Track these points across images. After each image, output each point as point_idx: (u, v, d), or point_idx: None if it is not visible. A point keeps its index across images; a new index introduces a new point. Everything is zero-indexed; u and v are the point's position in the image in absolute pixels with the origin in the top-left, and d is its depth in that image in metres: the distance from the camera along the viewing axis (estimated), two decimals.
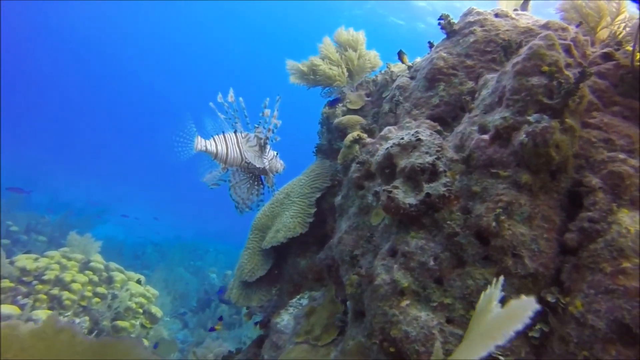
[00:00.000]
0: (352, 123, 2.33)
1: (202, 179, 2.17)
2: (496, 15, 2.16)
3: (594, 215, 1.27)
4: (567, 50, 1.59)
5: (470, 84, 2.00)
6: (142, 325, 5.48)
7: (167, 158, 2.03)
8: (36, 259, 5.46)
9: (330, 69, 2.67)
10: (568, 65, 1.53)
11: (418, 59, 2.64)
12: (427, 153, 1.58)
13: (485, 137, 1.50)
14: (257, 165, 2.07)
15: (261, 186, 2.22)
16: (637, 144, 1.41)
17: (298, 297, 2.51)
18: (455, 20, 2.27)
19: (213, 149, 2.03)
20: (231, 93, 1.99)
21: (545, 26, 2.02)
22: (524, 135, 1.35)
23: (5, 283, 5.04)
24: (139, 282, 5.96)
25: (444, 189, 1.48)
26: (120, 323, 5.12)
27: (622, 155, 1.35)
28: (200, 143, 2.02)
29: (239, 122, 2.05)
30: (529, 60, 1.45)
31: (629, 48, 1.80)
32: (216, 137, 2.05)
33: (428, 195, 1.48)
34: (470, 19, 2.18)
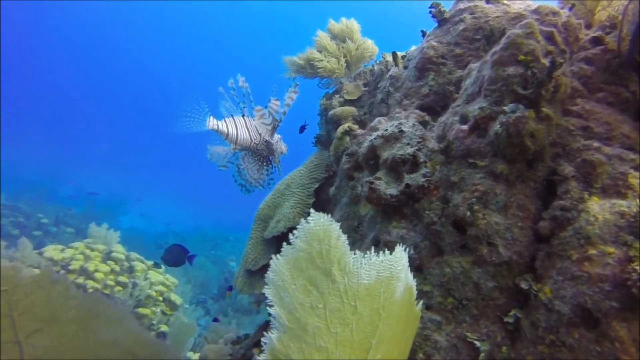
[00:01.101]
0: (345, 114, 2.37)
1: (209, 158, 2.28)
2: (487, 1, 2.14)
3: (565, 204, 1.29)
4: (549, 38, 1.58)
5: (459, 72, 2.00)
6: (163, 312, 5.72)
7: (175, 128, 2.14)
8: (62, 250, 5.74)
9: (328, 61, 2.70)
10: (549, 53, 1.53)
11: (413, 48, 2.64)
12: (408, 144, 1.61)
13: (465, 127, 1.52)
14: (269, 140, 2.18)
15: (270, 166, 2.37)
16: (615, 131, 1.41)
17: None
18: (447, 8, 2.26)
19: (224, 129, 2.15)
20: (242, 79, 2.11)
21: (536, 11, 2.00)
22: (499, 126, 1.37)
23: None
24: (156, 265, 6.18)
25: (423, 179, 1.52)
26: (141, 310, 5.36)
27: (596, 144, 1.35)
28: (213, 122, 2.14)
29: (246, 106, 2.17)
30: (506, 49, 1.46)
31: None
32: (227, 119, 2.17)
33: (408, 186, 1.53)
34: (461, 6, 2.17)
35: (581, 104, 1.55)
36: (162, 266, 6.46)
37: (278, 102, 2.12)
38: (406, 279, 0.98)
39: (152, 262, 6.28)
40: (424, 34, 2.35)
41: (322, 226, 0.89)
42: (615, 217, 1.20)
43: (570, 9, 2.06)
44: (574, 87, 1.62)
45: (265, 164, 2.38)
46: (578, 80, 1.65)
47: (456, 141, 1.52)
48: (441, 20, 2.20)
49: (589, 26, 2.12)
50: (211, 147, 2.29)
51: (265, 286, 0.92)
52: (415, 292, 1.04)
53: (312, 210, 0.93)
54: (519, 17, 2.02)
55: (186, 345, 4.97)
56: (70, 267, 5.42)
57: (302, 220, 0.91)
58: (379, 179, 1.62)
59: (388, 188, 1.59)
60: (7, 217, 11.08)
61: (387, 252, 0.92)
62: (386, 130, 1.70)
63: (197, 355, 4.98)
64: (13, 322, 1.22)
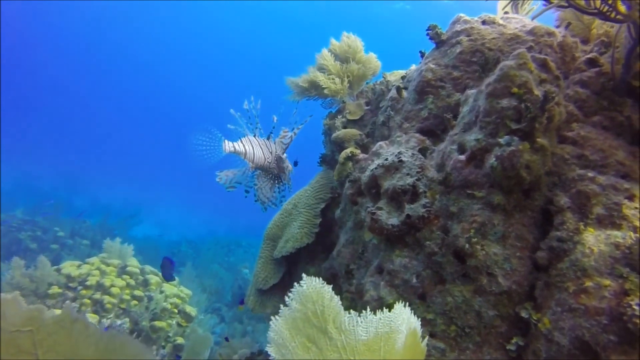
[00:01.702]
0: (348, 137, 2.42)
1: (217, 180, 2.39)
2: (483, 22, 2.17)
3: (562, 235, 1.32)
4: (543, 65, 1.61)
5: (458, 95, 2.04)
6: (178, 324, 5.82)
7: (196, 164, 2.27)
8: (79, 266, 5.89)
9: (332, 82, 2.75)
10: (543, 81, 1.56)
11: (413, 67, 2.68)
12: (408, 174, 1.66)
13: (462, 157, 1.56)
14: (281, 156, 2.35)
15: (281, 184, 2.47)
16: (610, 159, 1.44)
17: None
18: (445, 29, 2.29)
19: (242, 149, 2.26)
20: (256, 102, 2.28)
21: (531, 32, 2.02)
22: (494, 159, 1.41)
23: (54, 289, 5.47)
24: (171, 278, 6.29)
25: (423, 210, 1.56)
26: (157, 323, 5.47)
27: (591, 173, 1.38)
28: (229, 145, 2.25)
29: (258, 126, 2.32)
30: (499, 82, 1.49)
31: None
32: (243, 139, 2.28)
33: (408, 216, 1.57)
34: (458, 27, 2.20)
35: (577, 130, 1.57)
36: (177, 278, 6.58)
37: (287, 132, 2.26)
38: (408, 324, 1.02)
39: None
40: (422, 54, 2.39)
41: (314, 289, 0.94)
42: (610, 249, 1.23)
43: (567, 27, 2.08)
44: (570, 111, 1.65)
45: (277, 182, 2.49)
46: (574, 103, 1.68)
47: (454, 172, 1.56)
48: (439, 42, 2.24)
49: (586, 41, 2.14)
50: (219, 173, 2.38)
51: (267, 344, 0.97)
52: (419, 333, 1.08)
53: (304, 276, 0.99)
54: (514, 38, 2.05)
55: (202, 357, 5.05)
56: (87, 283, 5.56)
57: (296, 284, 0.96)
58: (380, 208, 1.67)
59: (390, 218, 1.64)
60: (26, 232, 11.35)
61: (385, 310, 0.97)
62: (386, 159, 1.75)
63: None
64: (37, 358, 1.30)
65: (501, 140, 1.43)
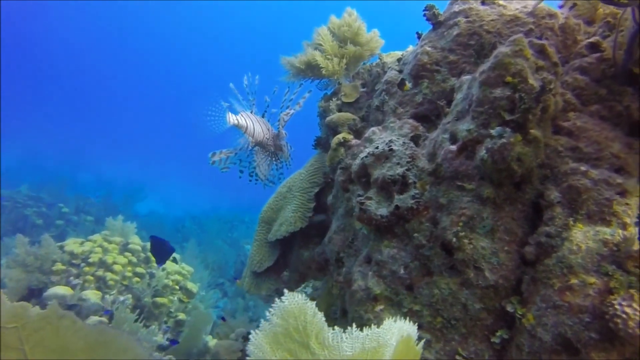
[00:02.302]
0: (342, 121, 2.37)
1: (210, 162, 2.39)
2: (483, 3, 2.08)
3: (550, 230, 1.30)
4: (541, 51, 1.54)
5: (453, 80, 1.97)
6: (180, 300, 5.94)
7: (202, 133, 2.28)
8: (82, 243, 5.96)
9: (330, 63, 2.68)
10: (540, 69, 1.50)
11: (410, 48, 2.59)
12: (398, 164, 1.62)
13: (453, 148, 1.52)
14: (282, 137, 2.37)
15: (279, 161, 2.48)
16: (605, 151, 1.40)
17: (303, 285, 2.68)
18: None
19: (244, 122, 2.26)
20: (253, 79, 2.28)
21: (532, 13, 1.94)
22: (484, 151, 1.37)
23: (58, 266, 5.56)
24: (174, 260, 6.38)
25: (412, 201, 1.54)
26: (159, 299, 5.58)
27: (583, 167, 1.34)
28: (232, 118, 2.25)
29: (255, 102, 2.33)
30: (493, 70, 1.43)
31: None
32: (242, 113, 2.28)
33: (397, 207, 1.55)
34: (456, 8, 2.11)
35: (573, 120, 1.52)
36: (179, 255, 6.66)
37: (291, 111, 2.31)
38: (400, 332, 1.01)
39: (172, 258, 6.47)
40: (419, 36, 2.31)
41: (296, 304, 0.93)
42: (598, 246, 1.21)
43: (572, 8, 1.99)
44: (567, 99, 1.59)
45: (274, 159, 2.49)
46: (572, 91, 1.62)
47: (445, 162, 1.52)
48: (436, 23, 2.16)
49: (591, 22, 2.05)
50: (212, 154, 2.38)
51: (247, 357, 0.97)
52: (414, 337, 1.04)
53: (285, 291, 0.97)
54: (514, 20, 1.96)
55: (203, 333, 5.17)
56: (90, 260, 5.64)
57: (277, 299, 0.95)
58: (369, 198, 1.65)
59: (379, 208, 1.61)
60: (32, 207, 11.47)
61: (373, 327, 0.95)
62: (377, 147, 1.71)
63: (214, 341, 5.21)
64: (25, 354, 1.32)
65: (493, 132, 1.39)
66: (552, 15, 1.90)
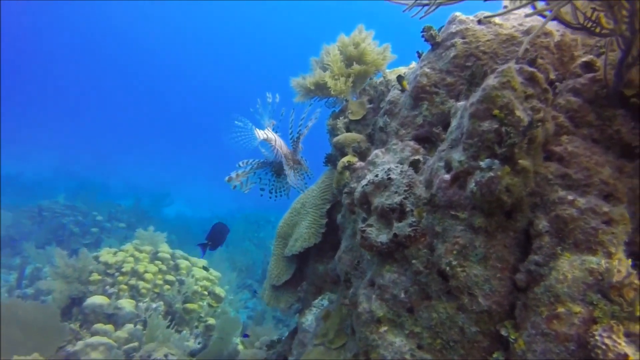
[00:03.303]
0: (348, 142, 2.46)
1: (232, 187, 2.55)
2: (479, 22, 2.12)
3: (539, 259, 1.36)
4: (530, 79, 1.58)
5: (451, 102, 2.03)
6: (210, 305, 6.19)
7: (237, 153, 2.48)
8: (115, 253, 6.29)
9: (336, 83, 2.76)
10: (529, 97, 1.54)
11: (413, 65, 2.65)
12: (396, 192, 1.71)
13: (447, 177, 1.59)
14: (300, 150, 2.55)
15: (300, 173, 2.66)
16: (594, 177, 1.43)
17: (320, 298, 2.80)
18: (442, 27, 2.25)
19: (272, 136, 2.43)
20: (276, 96, 2.46)
21: (528, 32, 1.96)
22: (473, 184, 1.44)
23: (95, 276, 5.90)
24: (204, 268, 6.64)
25: (410, 229, 1.62)
26: (189, 305, 5.84)
27: (571, 196, 1.39)
28: (262, 133, 2.41)
29: (273, 120, 2.53)
30: (481, 103, 1.49)
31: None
32: (266, 129, 2.45)
33: (395, 235, 1.64)
34: (453, 29, 2.15)
35: (565, 144, 1.56)
36: (206, 260, 6.93)
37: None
38: None
39: (196, 259, 6.74)
40: (419, 55, 2.36)
41: None
42: (584, 274, 1.26)
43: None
44: (560, 123, 1.63)
45: (297, 170, 2.67)
46: (565, 114, 1.65)
47: (439, 192, 1.59)
48: (434, 44, 2.20)
49: None
50: (229, 178, 2.52)
51: None
52: None
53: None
54: (510, 39, 2.00)
55: (233, 338, 5.38)
56: (123, 270, 5.96)
57: None
58: (370, 225, 1.74)
59: (379, 235, 1.70)
60: (68, 217, 12.07)
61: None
62: (377, 175, 1.80)
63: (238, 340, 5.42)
64: None
65: (482, 164, 1.45)
66: (547, 34, 1.92)
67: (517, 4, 2.10)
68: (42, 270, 8.31)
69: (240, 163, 2.55)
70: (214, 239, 4.60)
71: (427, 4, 1.59)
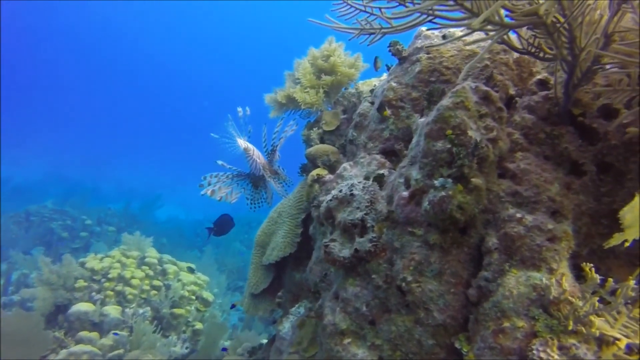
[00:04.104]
0: (320, 154, 2.50)
1: (202, 192, 2.55)
2: (444, 37, 2.17)
3: (488, 275, 1.42)
4: (485, 98, 1.64)
5: (416, 116, 2.08)
6: (197, 310, 6.21)
7: (223, 157, 2.47)
8: (101, 259, 6.28)
9: (307, 95, 2.81)
10: (483, 116, 1.60)
11: (384, 76, 2.70)
12: (358, 208, 1.76)
13: (405, 194, 1.64)
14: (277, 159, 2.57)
15: (281, 182, 2.68)
16: (543, 195, 1.49)
17: (297, 305, 2.84)
18: (407, 44, 2.30)
19: (251, 147, 2.45)
20: (247, 110, 2.44)
21: (489, 49, 2.02)
22: (427, 203, 1.49)
23: (80, 283, 5.89)
24: (190, 270, 6.65)
25: (370, 244, 1.67)
26: (177, 310, 5.85)
27: (519, 214, 1.45)
28: (243, 142, 2.44)
29: (251, 131, 2.51)
30: (435, 123, 1.54)
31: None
32: (241, 139, 2.48)
33: (357, 250, 1.69)
34: (418, 44, 2.21)
35: (518, 161, 1.62)
36: (194, 266, 6.94)
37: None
38: None
39: (183, 263, 6.75)
40: (388, 68, 2.41)
41: None
42: (528, 290, 1.32)
43: None
44: (515, 140, 1.69)
45: (277, 179, 2.69)
46: (520, 131, 1.71)
47: (397, 208, 1.65)
48: (400, 58, 2.26)
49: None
50: (204, 186, 2.54)
51: None
52: None
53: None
54: (472, 55, 2.05)
55: (220, 343, 5.41)
56: (110, 276, 5.95)
57: None
58: (334, 240, 1.79)
59: (342, 249, 1.75)
60: (57, 221, 11.98)
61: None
62: (340, 191, 1.84)
63: (228, 342, 5.45)
64: None
65: (436, 183, 1.50)
66: (506, 51, 1.98)
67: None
68: (29, 277, 8.28)
69: (219, 162, 2.53)
70: (220, 226, 4.73)
71: (372, 33, 1.64)
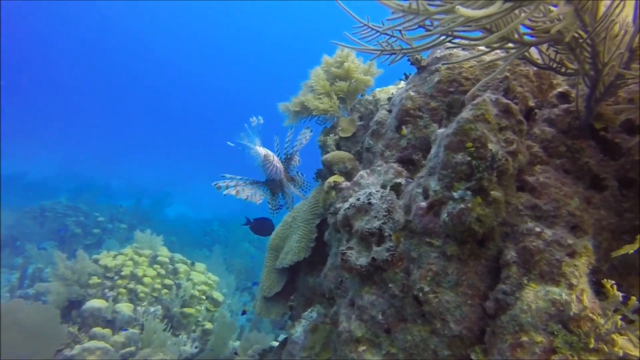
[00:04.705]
0: (336, 160, 2.52)
1: (225, 192, 2.56)
2: (463, 48, 2.18)
3: (506, 289, 1.42)
4: (505, 110, 1.64)
5: (434, 126, 2.09)
6: (207, 309, 6.27)
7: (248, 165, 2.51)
8: (114, 257, 6.38)
9: (320, 102, 2.83)
10: (503, 129, 1.61)
11: (401, 84, 2.71)
12: (375, 217, 1.77)
13: (423, 205, 1.65)
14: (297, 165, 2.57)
15: (297, 187, 2.72)
16: (562, 209, 1.49)
17: (309, 310, 2.86)
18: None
19: (270, 152, 2.48)
20: (260, 119, 2.43)
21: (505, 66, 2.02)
22: (445, 214, 1.50)
23: (94, 279, 5.99)
24: (192, 264, 6.71)
25: (387, 254, 1.69)
26: (187, 310, 5.92)
27: (538, 228, 1.45)
28: (262, 149, 2.45)
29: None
30: (455, 135, 1.55)
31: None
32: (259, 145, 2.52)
33: (374, 259, 1.70)
34: (437, 53, 2.22)
35: (537, 175, 1.62)
36: (204, 265, 7.01)
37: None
38: None
39: (190, 262, 6.81)
40: (406, 77, 2.43)
41: None
42: (547, 305, 1.33)
43: None
44: (534, 153, 1.69)
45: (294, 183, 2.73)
46: (539, 144, 1.71)
47: (415, 218, 1.66)
48: (419, 67, 2.27)
49: None
50: (223, 185, 2.54)
51: None
52: None
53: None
54: (492, 66, 2.06)
55: (229, 342, 5.46)
56: (122, 273, 6.04)
57: None
58: (351, 248, 1.80)
59: (359, 257, 1.77)
60: (71, 217, 12.18)
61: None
62: (358, 199, 1.86)
63: (237, 343, 5.49)
64: None
65: (455, 195, 1.51)
66: (527, 62, 1.97)
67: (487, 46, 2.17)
68: (44, 271, 8.44)
69: (227, 175, 2.52)
70: (259, 225, 4.78)
71: (393, 53, 1.66)
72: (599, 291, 1.39)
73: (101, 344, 4.59)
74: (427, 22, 1.56)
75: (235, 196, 2.49)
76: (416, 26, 1.50)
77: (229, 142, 2.46)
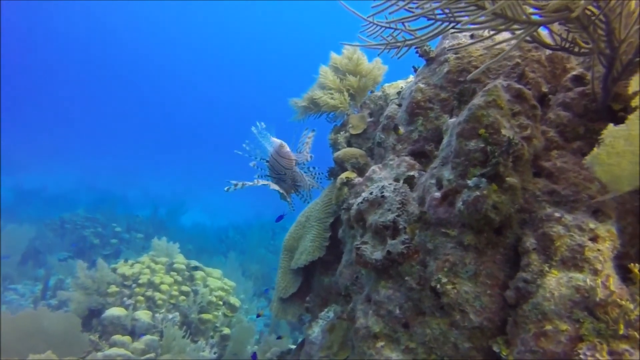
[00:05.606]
0: (347, 157, 2.50)
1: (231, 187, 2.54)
2: (472, 36, 2.14)
3: (527, 277, 1.38)
4: (518, 95, 1.60)
5: (446, 117, 2.06)
6: (225, 315, 6.28)
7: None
8: (132, 265, 6.45)
9: (331, 98, 2.82)
10: (516, 114, 1.57)
11: (410, 78, 2.68)
12: (389, 210, 1.74)
13: (437, 195, 1.62)
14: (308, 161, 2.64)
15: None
16: (582, 193, 1.45)
17: (326, 310, 2.83)
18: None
19: (284, 143, 2.53)
20: (262, 125, 2.50)
21: (518, 46, 1.98)
22: (461, 203, 1.47)
23: (113, 288, 6.06)
24: (195, 268, 6.72)
25: (402, 246, 1.65)
26: (204, 316, 5.93)
27: (558, 214, 1.40)
28: (276, 140, 2.50)
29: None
30: (468, 122, 1.52)
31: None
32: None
33: (389, 252, 1.67)
34: (446, 44, 2.19)
35: (554, 160, 1.57)
36: (220, 271, 7.04)
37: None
38: None
39: (194, 264, 6.79)
40: (415, 70, 2.40)
41: None
42: (571, 292, 1.28)
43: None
44: (550, 137, 1.64)
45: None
46: (555, 128, 1.67)
47: (430, 209, 1.63)
48: (428, 59, 2.24)
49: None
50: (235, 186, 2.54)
51: None
52: None
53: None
54: (501, 53, 2.01)
55: (247, 348, 5.46)
56: (140, 281, 6.10)
57: None
58: (365, 242, 1.78)
59: (374, 252, 1.74)
60: (89, 228, 12.40)
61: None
62: (371, 193, 1.84)
63: (256, 347, 5.48)
64: None
65: (470, 183, 1.48)
66: (538, 48, 1.93)
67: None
68: (65, 282, 8.58)
69: (232, 181, 2.47)
70: None
71: (398, 46, 1.64)
72: (625, 277, 1.34)
73: (122, 351, 4.63)
74: (438, 11, 1.54)
75: (251, 185, 2.48)
76: (420, 17, 1.48)
77: (236, 151, 2.47)
